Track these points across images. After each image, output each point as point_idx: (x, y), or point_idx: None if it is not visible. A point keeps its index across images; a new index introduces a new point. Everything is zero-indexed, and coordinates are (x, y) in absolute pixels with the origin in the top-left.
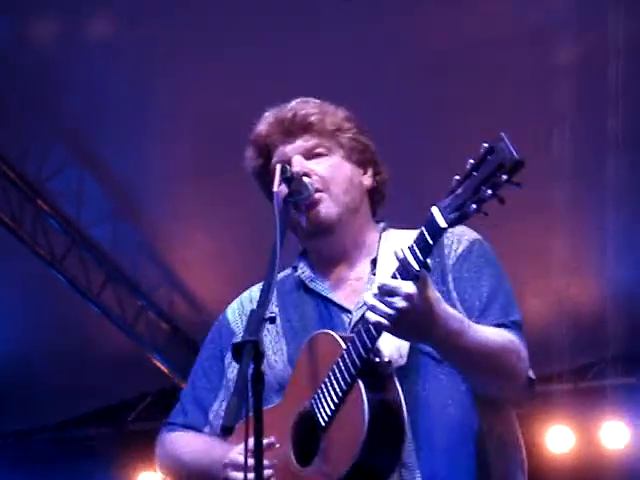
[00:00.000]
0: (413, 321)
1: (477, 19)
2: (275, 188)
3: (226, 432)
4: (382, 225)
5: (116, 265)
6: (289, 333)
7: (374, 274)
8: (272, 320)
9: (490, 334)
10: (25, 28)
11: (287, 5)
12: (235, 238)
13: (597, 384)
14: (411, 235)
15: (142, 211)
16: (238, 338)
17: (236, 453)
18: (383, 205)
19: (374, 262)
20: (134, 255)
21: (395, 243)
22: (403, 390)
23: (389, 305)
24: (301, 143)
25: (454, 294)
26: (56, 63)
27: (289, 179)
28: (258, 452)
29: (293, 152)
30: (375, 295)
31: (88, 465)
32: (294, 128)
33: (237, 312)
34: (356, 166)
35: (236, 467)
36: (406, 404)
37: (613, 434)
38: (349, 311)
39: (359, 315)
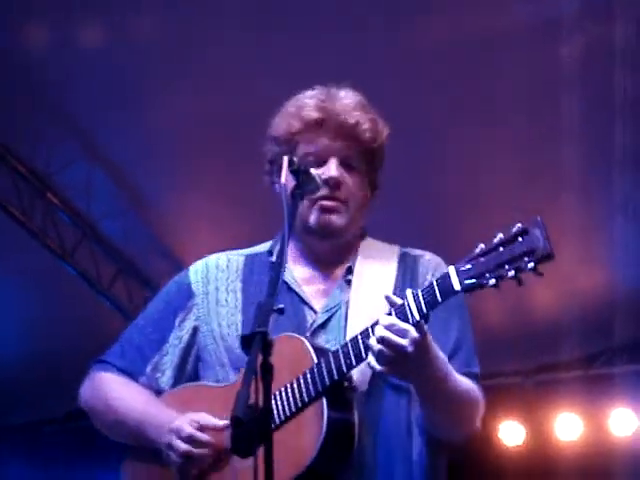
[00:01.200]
0: (407, 365)
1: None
2: (282, 180)
3: (237, 424)
4: (361, 233)
5: (126, 258)
6: (247, 313)
7: (347, 281)
8: (281, 311)
9: (464, 383)
10: (29, 25)
11: (287, 5)
12: (244, 231)
13: (605, 372)
14: (386, 251)
15: (151, 204)
16: (198, 301)
17: (186, 423)
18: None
19: (350, 269)
20: (144, 248)
21: (372, 255)
22: (359, 414)
23: (395, 345)
24: (345, 149)
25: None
26: (63, 59)
27: (297, 171)
28: (268, 447)
29: (331, 152)
30: (386, 328)
31: (98, 455)
32: (347, 133)
33: (200, 274)
34: (370, 183)
35: (183, 437)
36: (360, 428)
37: (621, 421)
38: (314, 310)
39: (324, 318)
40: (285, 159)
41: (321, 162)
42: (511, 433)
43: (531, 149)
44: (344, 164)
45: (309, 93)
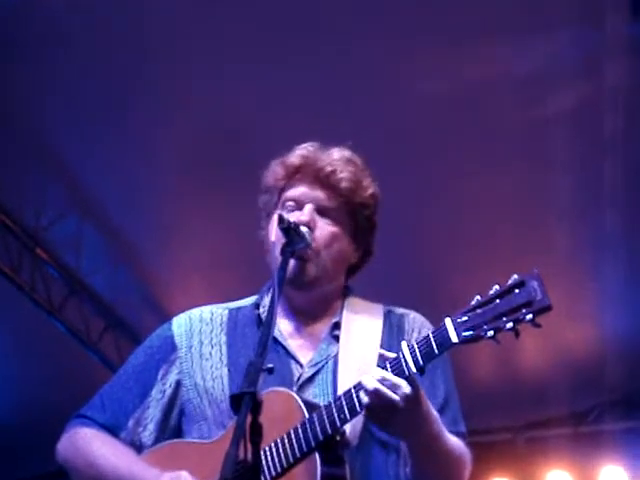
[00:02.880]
0: (397, 419)
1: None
2: (273, 238)
3: None
4: (346, 291)
5: (115, 313)
6: (233, 365)
7: (334, 336)
8: (270, 371)
9: (454, 442)
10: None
11: (289, 17)
12: (236, 285)
13: (596, 428)
14: (372, 309)
15: (141, 259)
16: (181, 354)
17: None
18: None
19: (337, 325)
20: (133, 302)
21: (357, 311)
22: (349, 469)
23: (389, 399)
24: (321, 197)
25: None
26: (53, 110)
27: (286, 229)
28: None
29: (308, 199)
30: (378, 381)
31: None
32: (324, 181)
33: (183, 328)
34: (354, 242)
35: None
36: None
37: (612, 479)
38: (300, 364)
39: (311, 372)
40: (275, 216)
41: (300, 208)
42: None
43: (517, 202)
44: (321, 212)
45: (301, 145)
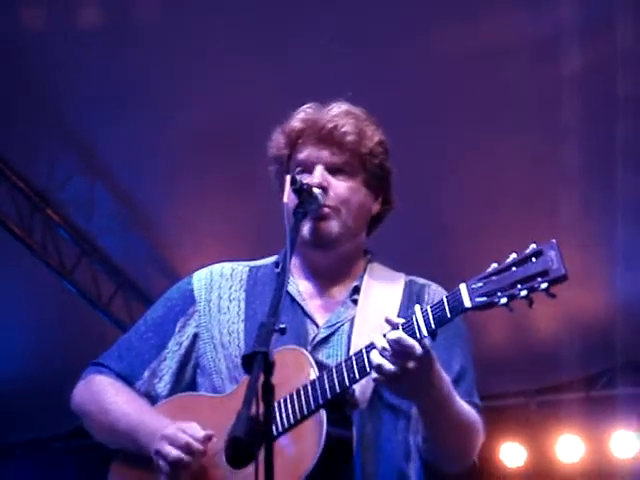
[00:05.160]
0: (408, 381)
1: (481, 31)
2: (285, 199)
3: (238, 442)
4: (369, 256)
5: (126, 275)
6: (250, 321)
7: (353, 300)
8: (282, 332)
9: (467, 410)
10: (35, 37)
11: (291, 18)
12: (246, 247)
13: (607, 393)
14: (393, 277)
15: (152, 220)
16: (200, 307)
17: (177, 429)
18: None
19: (357, 289)
20: (145, 265)
21: (379, 278)
22: (358, 431)
23: (401, 360)
24: (329, 155)
25: (429, 345)
26: (63, 72)
27: (299, 190)
28: (269, 462)
29: (318, 160)
30: (389, 342)
31: (101, 473)
32: (328, 138)
33: (204, 282)
34: (371, 192)
35: (174, 443)
36: (358, 442)
37: (623, 443)
38: (317, 324)
39: (327, 333)
40: (287, 178)
41: (310, 170)
42: (512, 454)
43: (530, 169)
44: (331, 170)
45: (300, 109)
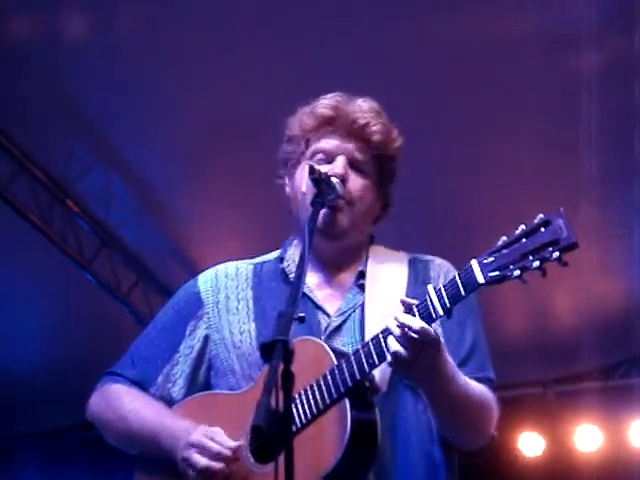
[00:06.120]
0: (421, 363)
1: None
2: (303, 189)
3: (258, 432)
4: (369, 239)
5: (146, 266)
6: (260, 319)
7: (360, 285)
8: (302, 320)
9: (474, 387)
10: (52, 27)
11: (301, 10)
12: (263, 237)
13: (625, 383)
14: (396, 257)
15: (170, 211)
16: (208, 309)
17: (204, 436)
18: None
19: (362, 274)
20: (164, 256)
21: (382, 260)
22: (381, 415)
23: (415, 344)
24: (354, 150)
25: (439, 330)
26: (81, 63)
27: (317, 180)
28: (289, 453)
29: (340, 151)
30: (400, 326)
31: (113, 464)
32: (358, 133)
33: (209, 283)
34: (379, 194)
35: (202, 452)
36: (383, 429)
37: None
38: (328, 314)
39: (339, 321)
40: (306, 167)
41: (330, 160)
42: (530, 444)
43: (549, 158)
44: (352, 165)
45: (328, 95)
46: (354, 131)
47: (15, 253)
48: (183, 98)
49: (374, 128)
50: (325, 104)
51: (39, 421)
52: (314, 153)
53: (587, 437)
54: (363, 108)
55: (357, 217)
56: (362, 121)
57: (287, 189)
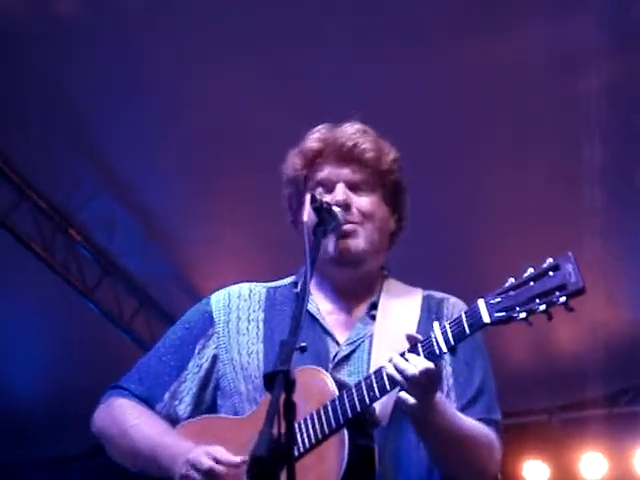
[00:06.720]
0: (425, 401)
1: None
2: (305, 218)
3: (261, 461)
4: (385, 272)
5: (148, 293)
6: (269, 342)
7: (371, 316)
8: (303, 350)
9: (469, 423)
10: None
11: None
12: (267, 265)
13: (630, 410)
14: (410, 292)
15: (173, 238)
16: (219, 329)
17: (204, 455)
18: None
19: (374, 305)
20: (166, 284)
21: (396, 294)
22: (380, 449)
23: (422, 384)
24: (349, 173)
25: (449, 369)
26: (86, 93)
27: (319, 208)
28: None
29: (338, 178)
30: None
31: None
32: (348, 157)
33: (222, 303)
34: (389, 208)
35: (201, 470)
36: (380, 460)
37: None
38: (337, 342)
39: (348, 350)
40: (307, 196)
41: (331, 190)
42: (535, 471)
43: (553, 190)
44: (352, 188)
45: (313, 130)
46: (344, 155)
47: (17, 282)
48: (186, 128)
49: (363, 147)
50: (311, 139)
51: (42, 448)
52: (313, 188)
53: (592, 464)
54: (348, 132)
55: (372, 235)
56: (350, 143)
57: (297, 225)
